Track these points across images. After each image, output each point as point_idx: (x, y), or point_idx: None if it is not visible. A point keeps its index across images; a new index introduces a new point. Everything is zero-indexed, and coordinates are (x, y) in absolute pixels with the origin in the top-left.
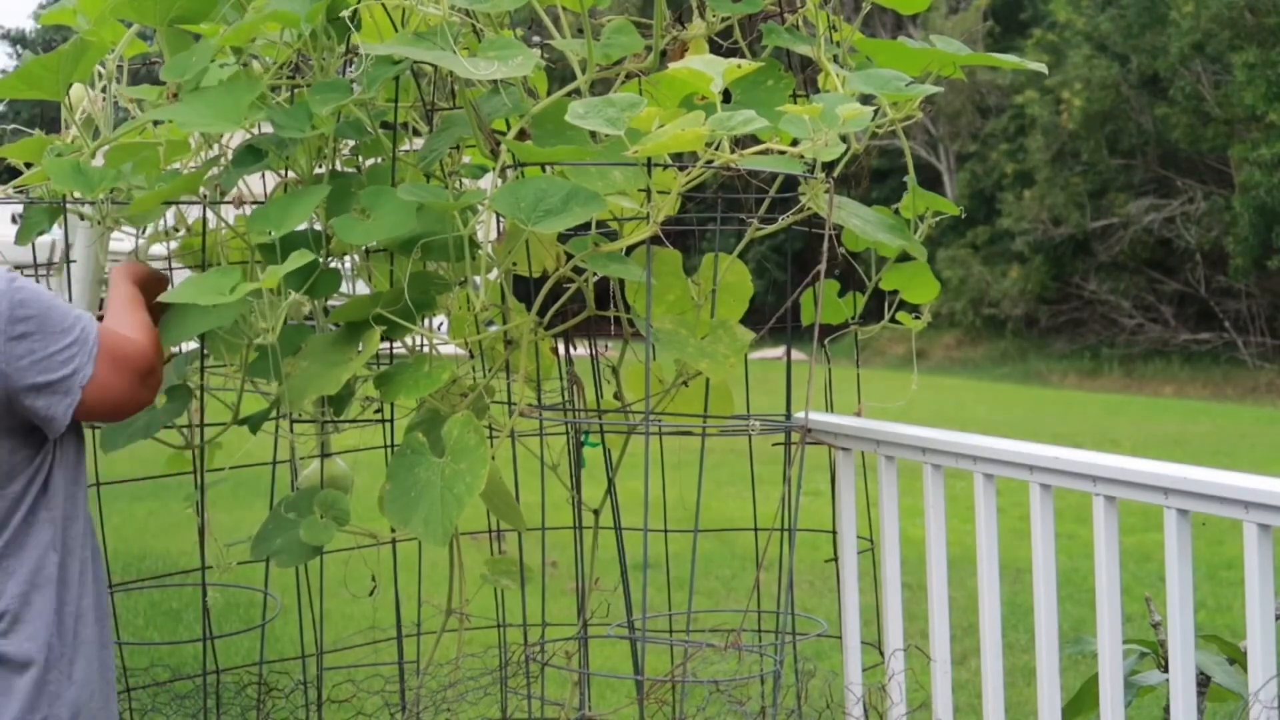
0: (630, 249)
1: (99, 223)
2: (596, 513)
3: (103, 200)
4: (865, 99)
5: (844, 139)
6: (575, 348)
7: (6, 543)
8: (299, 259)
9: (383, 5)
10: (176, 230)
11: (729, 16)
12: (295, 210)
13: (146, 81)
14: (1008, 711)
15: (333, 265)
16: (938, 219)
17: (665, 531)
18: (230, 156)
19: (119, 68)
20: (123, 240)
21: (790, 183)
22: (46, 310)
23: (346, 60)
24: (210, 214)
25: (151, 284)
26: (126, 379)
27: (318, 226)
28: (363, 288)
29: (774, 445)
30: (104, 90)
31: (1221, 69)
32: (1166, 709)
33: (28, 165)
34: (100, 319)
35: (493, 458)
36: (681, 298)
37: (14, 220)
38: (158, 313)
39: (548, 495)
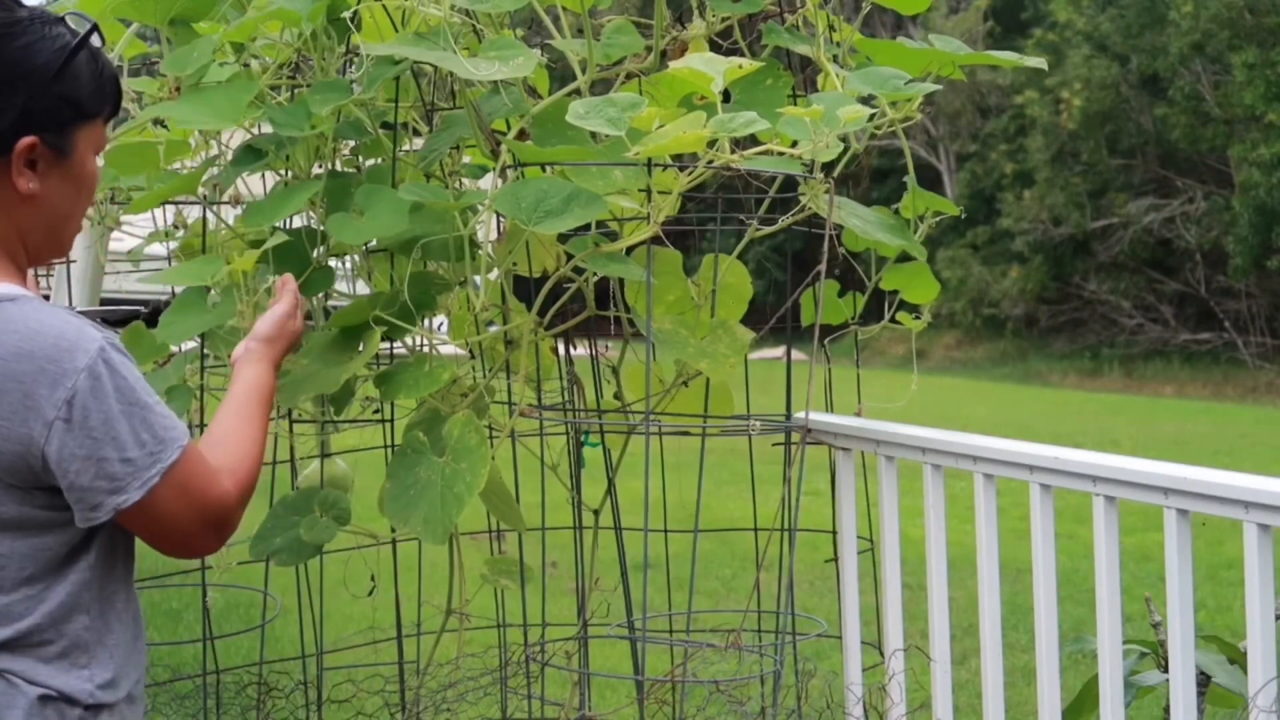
0: (630, 249)
1: (98, 222)
2: (596, 513)
3: (101, 200)
4: (865, 99)
5: (844, 139)
6: (575, 348)
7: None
8: (276, 238)
9: (383, 5)
10: (176, 230)
11: (729, 16)
12: (287, 202)
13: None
14: (1008, 711)
15: (331, 264)
16: (938, 219)
17: (665, 531)
18: (230, 156)
19: (118, 67)
20: (122, 240)
21: (790, 183)
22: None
23: (346, 60)
24: (210, 214)
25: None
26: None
27: (318, 227)
28: (363, 287)
29: (774, 445)
30: None
31: (1221, 69)
32: (1166, 709)
33: None
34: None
35: (493, 458)
36: (681, 298)
37: None
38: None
39: (548, 495)
